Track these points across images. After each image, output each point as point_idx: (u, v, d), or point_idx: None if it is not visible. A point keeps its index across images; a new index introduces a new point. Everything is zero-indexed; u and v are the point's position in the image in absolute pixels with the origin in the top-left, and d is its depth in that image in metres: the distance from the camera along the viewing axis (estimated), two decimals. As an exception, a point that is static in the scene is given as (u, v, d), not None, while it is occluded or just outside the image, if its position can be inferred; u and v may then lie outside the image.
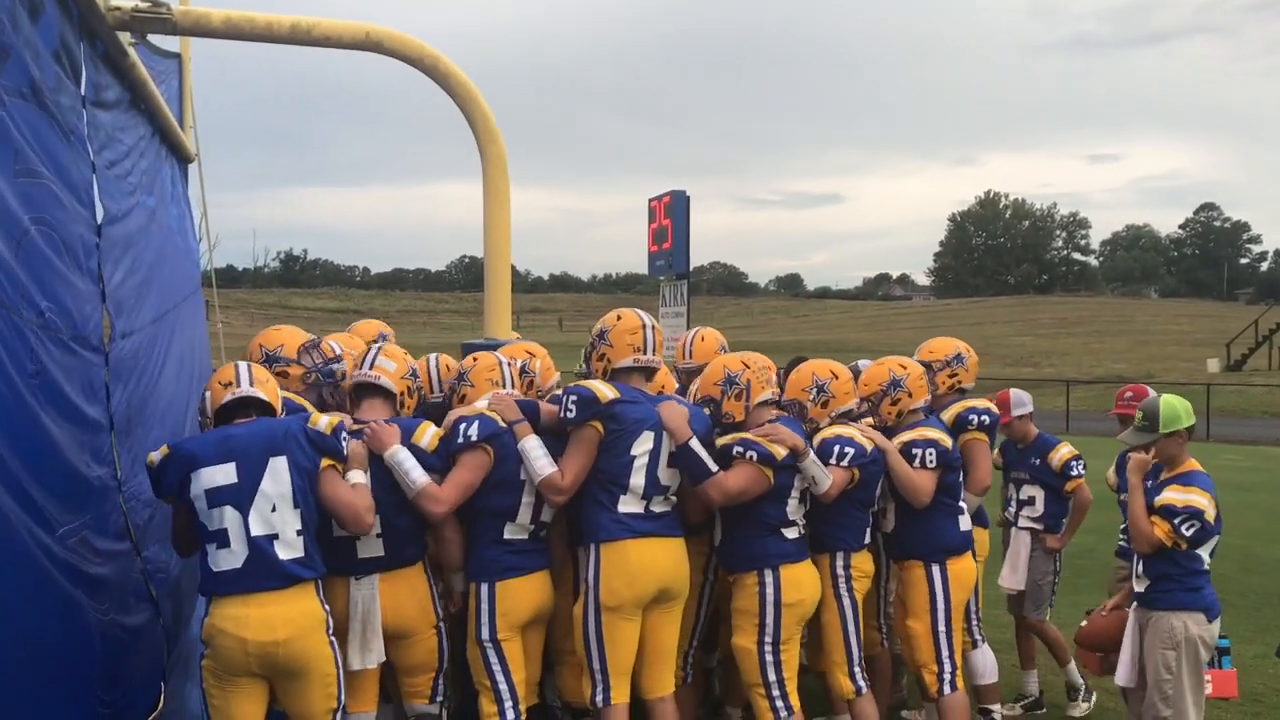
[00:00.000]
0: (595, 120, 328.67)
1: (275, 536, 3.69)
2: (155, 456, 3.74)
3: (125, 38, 4.69)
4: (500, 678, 4.26)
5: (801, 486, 4.58)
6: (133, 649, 3.97)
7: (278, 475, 3.72)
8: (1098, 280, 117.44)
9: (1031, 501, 6.14)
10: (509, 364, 4.68)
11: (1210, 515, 4.53)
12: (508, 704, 4.25)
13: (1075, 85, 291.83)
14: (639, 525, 4.32)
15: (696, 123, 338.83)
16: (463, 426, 4.21)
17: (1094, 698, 6.09)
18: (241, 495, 3.68)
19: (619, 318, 4.54)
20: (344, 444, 3.92)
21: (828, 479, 4.54)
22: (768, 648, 4.52)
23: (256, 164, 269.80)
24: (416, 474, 4.05)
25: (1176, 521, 4.52)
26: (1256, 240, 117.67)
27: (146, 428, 4.25)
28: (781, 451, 4.44)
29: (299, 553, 3.73)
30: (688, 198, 11.54)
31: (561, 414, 4.30)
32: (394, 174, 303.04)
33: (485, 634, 4.25)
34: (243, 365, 3.96)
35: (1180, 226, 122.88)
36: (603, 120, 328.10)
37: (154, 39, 5.46)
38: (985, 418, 5.37)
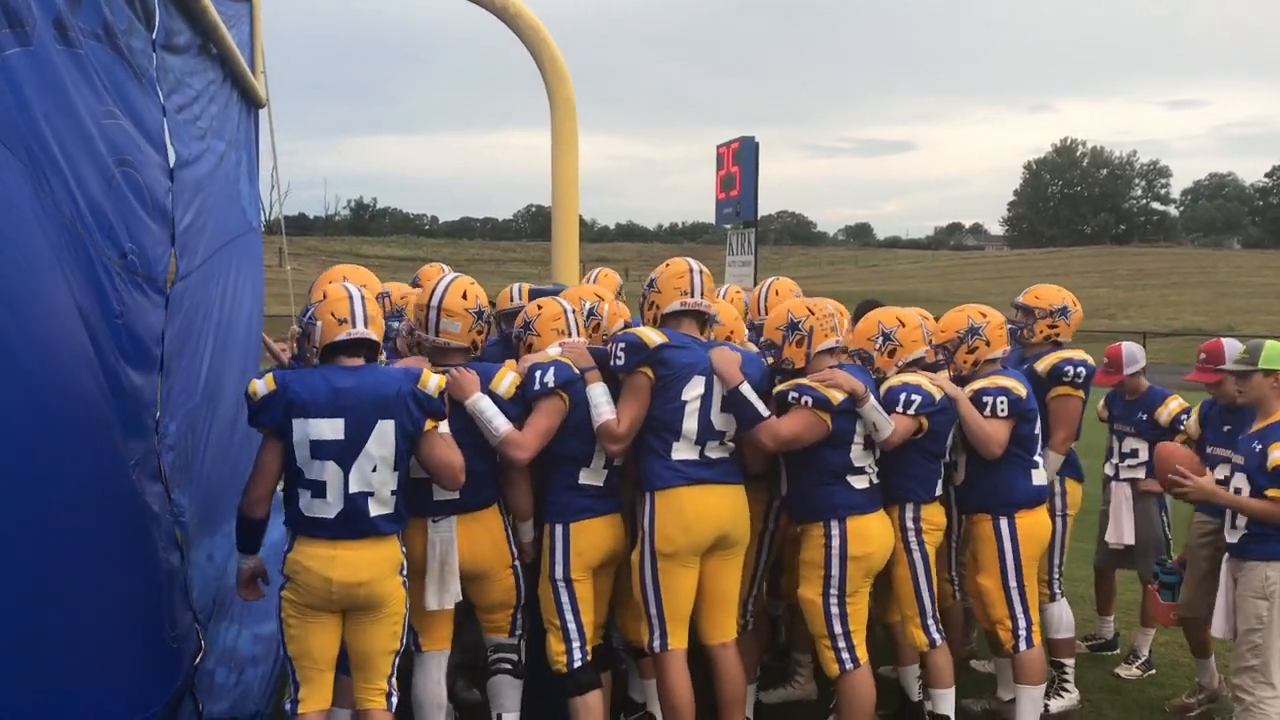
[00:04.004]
0: (662, 67, 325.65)
1: (371, 494, 3.76)
2: (260, 387, 3.72)
3: (195, -20, 4.68)
4: (570, 617, 4.34)
5: (865, 432, 4.51)
6: (176, 588, 4.07)
7: (384, 438, 3.76)
8: (1177, 230, 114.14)
9: (1134, 454, 5.96)
10: (573, 312, 4.68)
11: None
12: (575, 644, 4.33)
13: (1154, 28, 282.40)
14: (693, 472, 4.33)
15: (764, 69, 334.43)
16: (539, 374, 4.26)
17: (1151, 672, 5.99)
18: (346, 452, 3.72)
19: (667, 265, 4.60)
20: (445, 404, 3.96)
21: (889, 425, 4.47)
22: (833, 599, 4.49)
23: (327, 112, 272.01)
24: (499, 422, 4.11)
25: None
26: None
27: (178, 370, 4.33)
28: (838, 396, 4.39)
29: (389, 509, 3.82)
30: (757, 144, 11.38)
31: (611, 361, 4.32)
32: (462, 122, 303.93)
33: (559, 573, 4.32)
34: (357, 301, 3.86)
35: (1266, 175, 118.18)
36: (669, 68, 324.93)
37: (224, -17, 5.46)
38: (1082, 370, 5.18)
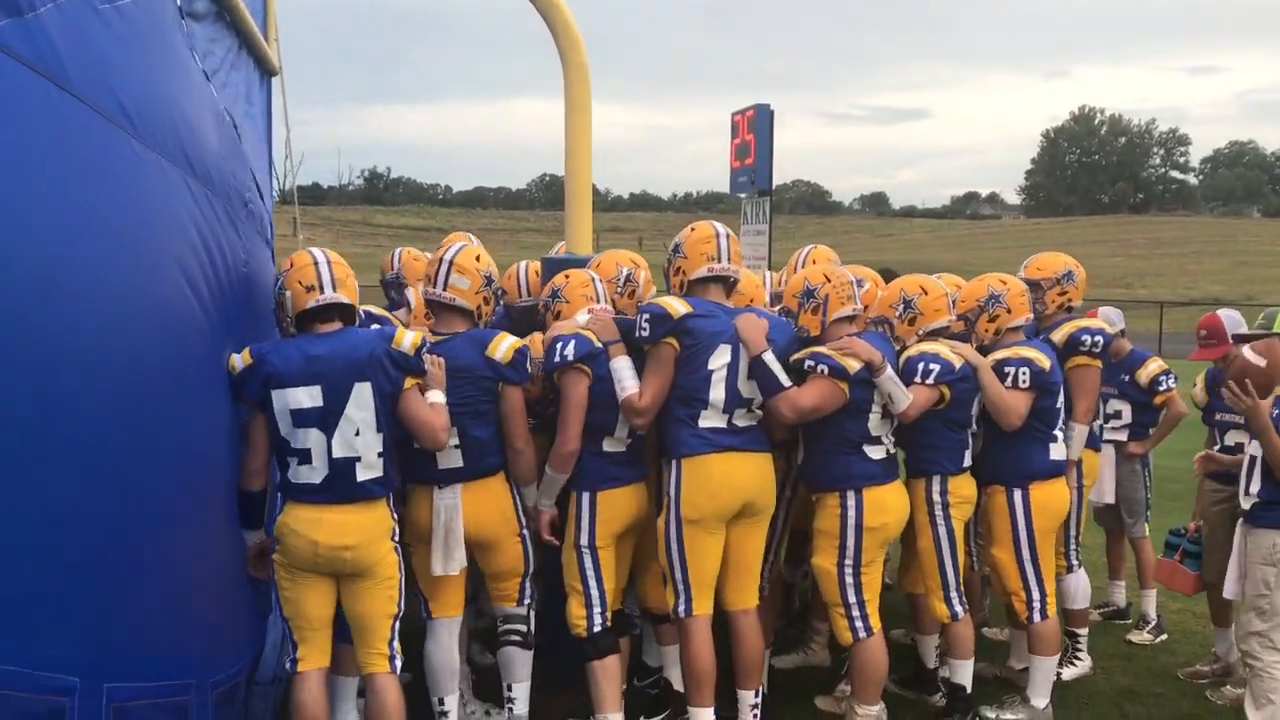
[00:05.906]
0: (676, 34, 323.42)
1: (357, 459, 3.75)
2: (237, 362, 3.72)
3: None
4: (593, 583, 4.38)
5: (882, 402, 4.46)
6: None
7: (362, 401, 3.74)
8: (1196, 199, 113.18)
9: (1118, 415, 6.05)
10: (599, 280, 4.70)
11: None
12: (596, 609, 4.38)
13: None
14: (721, 440, 4.31)
15: (778, 35, 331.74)
16: (559, 346, 4.26)
17: (1163, 637, 6.04)
18: (326, 418, 3.72)
19: (692, 229, 4.53)
20: (426, 362, 3.91)
21: (906, 397, 4.40)
22: (848, 569, 4.49)
23: (340, 81, 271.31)
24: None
25: None
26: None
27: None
28: (855, 365, 4.34)
29: (378, 473, 3.81)
30: (771, 112, 11.26)
31: (637, 333, 4.30)
32: (475, 90, 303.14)
33: (585, 540, 4.36)
34: (323, 265, 3.82)
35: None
36: (684, 34, 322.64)
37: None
38: (1100, 339, 5.02)
